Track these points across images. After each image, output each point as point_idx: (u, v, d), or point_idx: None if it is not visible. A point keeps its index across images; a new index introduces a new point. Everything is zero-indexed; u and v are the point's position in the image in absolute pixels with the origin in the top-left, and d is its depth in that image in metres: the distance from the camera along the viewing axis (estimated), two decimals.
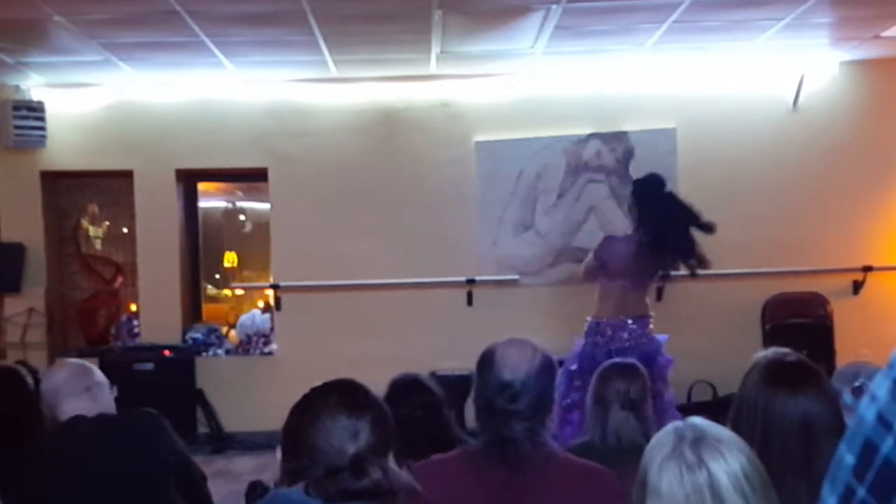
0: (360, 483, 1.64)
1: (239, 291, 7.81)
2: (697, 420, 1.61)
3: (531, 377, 2.22)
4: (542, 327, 6.39)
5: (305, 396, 1.80)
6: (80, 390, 2.86)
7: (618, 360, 3.38)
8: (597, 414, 2.98)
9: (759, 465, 1.55)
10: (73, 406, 2.83)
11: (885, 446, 1.10)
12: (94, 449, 2.78)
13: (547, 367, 2.28)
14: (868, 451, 1.12)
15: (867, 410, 1.14)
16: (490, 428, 2.22)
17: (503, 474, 2.16)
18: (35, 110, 6.71)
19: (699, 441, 1.54)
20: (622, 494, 2.27)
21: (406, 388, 2.92)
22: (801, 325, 6.67)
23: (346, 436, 1.70)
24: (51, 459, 2.78)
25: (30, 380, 3.51)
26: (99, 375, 2.95)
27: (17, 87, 6.78)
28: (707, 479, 1.50)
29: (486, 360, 2.28)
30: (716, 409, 5.53)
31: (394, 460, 1.79)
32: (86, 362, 3.02)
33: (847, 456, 1.16)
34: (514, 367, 2.22)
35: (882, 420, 1.11)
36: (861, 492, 1.13)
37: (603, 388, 3.00)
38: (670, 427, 1.61)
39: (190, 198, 7.48)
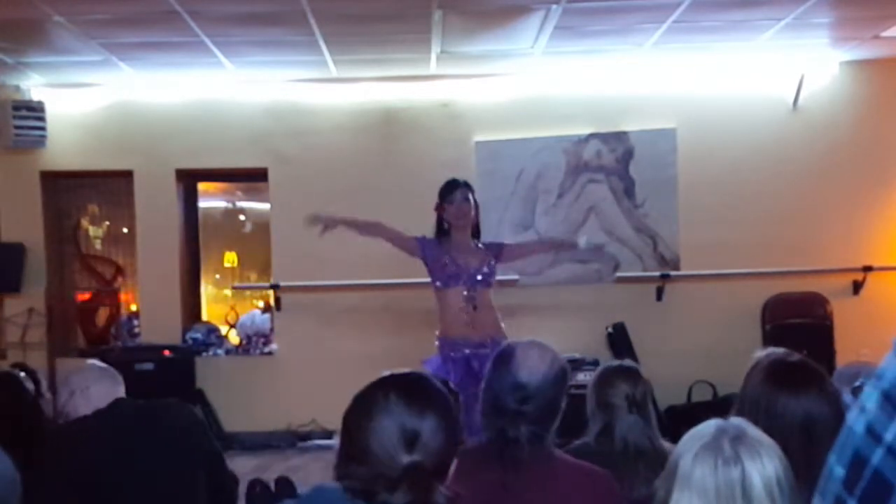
0: (401, 500, 1.52)
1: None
2: (740, 421, 1.63)
3: (547, 382, 2.20)
4: (541, 327, 6.41)
5: (366, 388, 1.64)
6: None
7: (615, 363, 3.20)
8: (600, 418, 2.82)
9: (792, 476, 1.55)
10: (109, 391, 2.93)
11: (876, 458, 1.09)
12: (132, 433, 2.82)
13: (562, 376, 2.26)
14: (858, 463, 1.11)
15: (856, 422, 1.14)
16: (495, 426, 2.21)
17: (500, 474, 2.15)
18: (35, 110, 6.71)
19: (739, 438, 1.55)
20: (620, 497, 2.27)
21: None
22: (801, 325, 6.65)
23: (400, 442, 1.55)
24: (87, 440, 2.82)
25: (29, 384, 3.48)
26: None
27: (17, 87, 6.78)
28: (740, 476, 1.51)
29: (505, 358, 2.25)
30: (716, 409, 5.52)
31: None
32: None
33: (837, 468, 1.16)
34: (532, 370, 2.20)
35: (871, 432, 1.10)
36: None
37: (606, 392, 2.83)
38: (712, 421, 1.62)
39: (190, 198, 7.47)
